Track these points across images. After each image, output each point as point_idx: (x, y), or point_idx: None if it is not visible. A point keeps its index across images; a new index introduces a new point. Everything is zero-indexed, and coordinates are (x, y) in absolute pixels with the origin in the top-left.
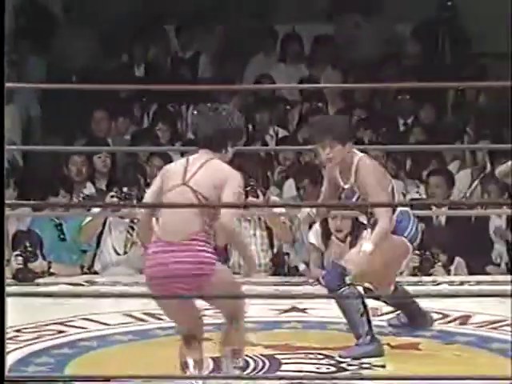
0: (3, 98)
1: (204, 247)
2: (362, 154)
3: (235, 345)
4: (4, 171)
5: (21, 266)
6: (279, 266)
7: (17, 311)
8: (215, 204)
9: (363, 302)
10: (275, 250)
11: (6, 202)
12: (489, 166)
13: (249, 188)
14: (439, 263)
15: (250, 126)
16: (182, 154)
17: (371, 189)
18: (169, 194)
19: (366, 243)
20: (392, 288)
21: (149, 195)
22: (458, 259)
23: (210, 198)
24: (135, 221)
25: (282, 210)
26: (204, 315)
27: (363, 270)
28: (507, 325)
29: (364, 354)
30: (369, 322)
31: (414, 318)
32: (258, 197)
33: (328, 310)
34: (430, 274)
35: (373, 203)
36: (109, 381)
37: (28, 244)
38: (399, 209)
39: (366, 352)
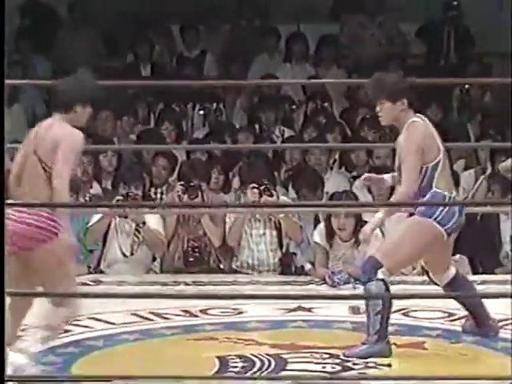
0: (3, 99)
1: (50, 215)
2: (415, 117)
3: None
4: (4, 170)
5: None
6: (287, 266)
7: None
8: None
9: (385, 302)
10: (283, 250)
11: (6, 202)
12: (490, 166)
13: (263, 187)
14: None
15: (257, 126)
16: (188, 154)
17: (405, 155)
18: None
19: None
20: (448, 275)
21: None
22: (459, 256)
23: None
24: (141, 223)
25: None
26: None
27: (393, 259)
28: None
29: (368, 354)
30: (383, 322)
31: (482, 322)
32: (272, 196)
33: (333, 309)
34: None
35: (376, 204)
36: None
37: None
38: (433, 190)
39: (371, 352)
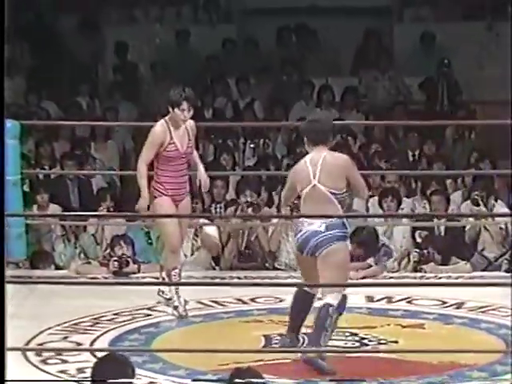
0: (3, 100)
1: None
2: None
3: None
4: (4, 175)
5: (116, 269)
6: None
7: (116, 299)
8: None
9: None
10: None
11: (6, 212)
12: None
13: (294, 204)
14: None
15: (293, 156)
16: (240, 179)
17: None
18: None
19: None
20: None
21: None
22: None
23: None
24: (198, 229)
25: None
26: None
27: None
28: (493, 309)
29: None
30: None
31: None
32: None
33: (353, 298)
34: (421, 270)
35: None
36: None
37: (124, 247)
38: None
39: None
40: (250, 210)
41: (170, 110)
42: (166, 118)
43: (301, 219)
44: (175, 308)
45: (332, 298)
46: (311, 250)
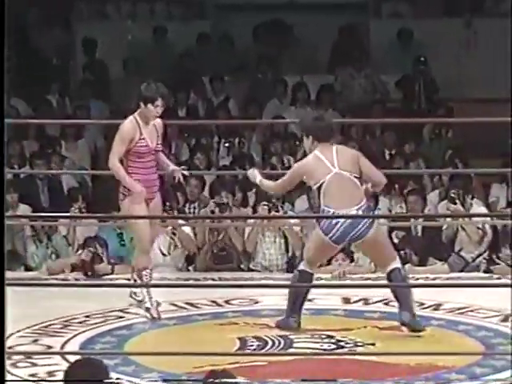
0: (3, 99)
1: None
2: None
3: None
4: (4, 176)
5: (87, 260)
6: (292, 266)
7: (87, 300)
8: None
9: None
10: (289, 254)
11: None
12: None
13: (271, 204)
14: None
15: (266, 156)
16: (215, 179)
17: None
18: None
19: None
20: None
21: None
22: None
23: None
24: (177, 228)
25: (297, 222)
26: None
27: (306, 256)
28: (470, 310)
29: (283, 325)
30: (290, 302)
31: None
32: (278, 211)
33: (329, 300)
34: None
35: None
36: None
37: (99, 249)
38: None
39: (283, 324)
40: (217, 209)
41: (142, 105)
42: (136, 113)
43: (330, 210)
44: (147, 310)
45: (398, 262)
46: (357, 234)
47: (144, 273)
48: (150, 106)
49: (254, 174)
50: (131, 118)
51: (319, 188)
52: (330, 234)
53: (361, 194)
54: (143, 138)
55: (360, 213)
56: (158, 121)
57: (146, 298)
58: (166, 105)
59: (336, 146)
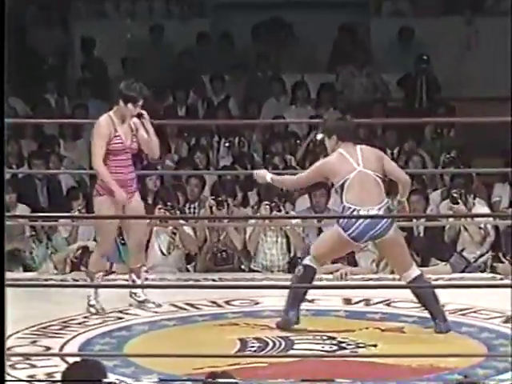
0: (3, 101)
1: None
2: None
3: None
4: (4, 176)
5: (80, 253)
6: (293, 266)
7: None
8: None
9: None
10: (291, 254)
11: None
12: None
13: (273, 204)
14: None
15: (267, 155)
16: (216, 179)
17: None
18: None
19: None
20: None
21: None
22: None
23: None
24: (178, 227)
25: (299, 221)
26: None
27: (316, 252)
28: (473, 312)
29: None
30: (290, 298)
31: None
32: (280, 211)
33: (331, 301)
34: None
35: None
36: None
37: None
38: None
39: (282, 320)
40: (214, 208)
41: (122, 103)
42: (111, 112)
43: (351, 207)
44: (90, 306)
45: (416, 268)
46: (377, 233)
47: (96, 275)
48: (130, 105)
49: (262, 174)
50: (105, 115)
51: (342, 185)
52: (350, 231)
53: (382, 194)
54: (118, 135)
55: (381, 212)
56: (135, 120)
57: (92, 295)
58: (145, 106)
59: (360, 146)
